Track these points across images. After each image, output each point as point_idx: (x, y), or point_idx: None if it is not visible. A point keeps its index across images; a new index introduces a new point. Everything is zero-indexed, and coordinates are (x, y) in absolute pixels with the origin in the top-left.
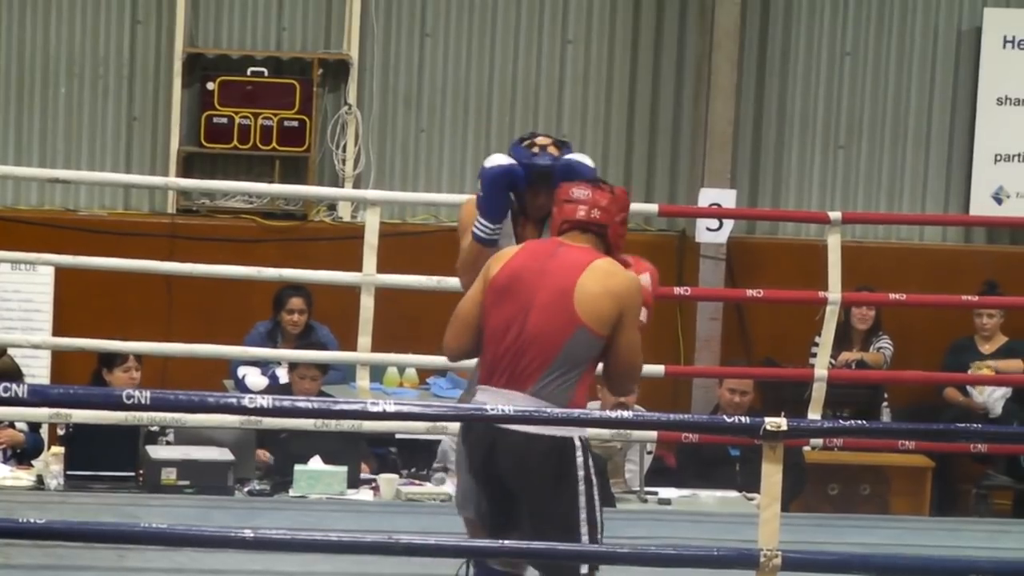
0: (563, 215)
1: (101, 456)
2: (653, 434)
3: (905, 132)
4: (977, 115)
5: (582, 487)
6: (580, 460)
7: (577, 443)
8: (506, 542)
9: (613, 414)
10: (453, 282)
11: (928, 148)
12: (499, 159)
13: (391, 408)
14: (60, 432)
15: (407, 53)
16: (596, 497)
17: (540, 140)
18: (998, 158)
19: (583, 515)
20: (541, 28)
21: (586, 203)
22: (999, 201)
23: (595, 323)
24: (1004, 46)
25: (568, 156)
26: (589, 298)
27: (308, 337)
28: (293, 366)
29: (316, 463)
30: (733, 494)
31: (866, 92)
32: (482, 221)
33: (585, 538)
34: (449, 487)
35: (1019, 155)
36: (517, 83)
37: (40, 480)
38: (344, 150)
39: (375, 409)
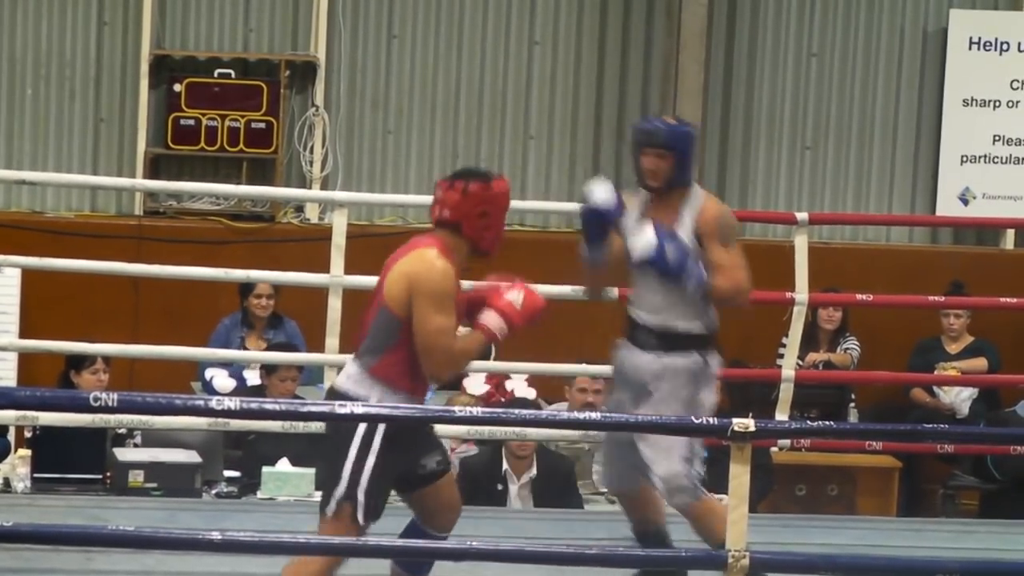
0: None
1: (68, 458)
2: None
3: (872, 133)
4: (943, 116)
5: (356, 442)
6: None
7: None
8: (473, 543)
9: (580, 416)
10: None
11: (895, 149)
12: (595, 193)
13: (359, 410)
14: (27, 434)
15: (374, 55)
16: (369, 462)
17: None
18: (964, 159)
19: (347, 468)
20: (508, 29)
21: (438, 202)
22: (965, 202)
23: (391, 302)
24: (970, 47)
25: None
26: (391, 279)
27: (276, 326)
28: (271, 369)
29: (284, 465)
30: None
31: (832, 93)
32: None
33: (343, 487)
34: None
35: (985, 156)
36: (484, 84)
37: (7, 483)
38: (311, 151)
39: (343, 411)
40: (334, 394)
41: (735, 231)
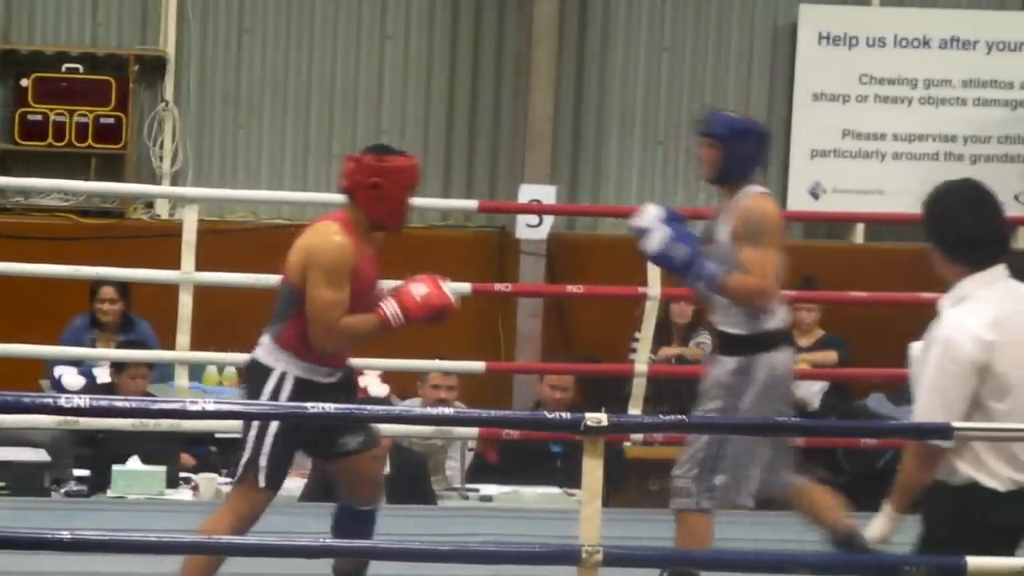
0: None
1: None
2: (474, 431)
3: None
4: (793, 111)
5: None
6: (269, 387)
7: (275, 372)
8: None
9: (434, 411)
10: (272, 279)
11: None
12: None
13: (211, 407)
14: None
15: (225, 49)
16: (271, 428)
17: None
18: (814, 153)
19: (252, 434)
20: (360, 24)
21: (339, 173)
22: (815, 196)
23: (290, 273)
24: (819, 42)
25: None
26: (291, 251)
27: (126, 329)
28: (121, 366)
29: (134, 463)
30: (555, 490)
31: (684, 87)
32: None
33: (247, 454)
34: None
35: (835, 151)
36: (336, 79)
37: None
38: (161, 147)
39: (194, 408)
40: (251, 364)
41: (765, 230)
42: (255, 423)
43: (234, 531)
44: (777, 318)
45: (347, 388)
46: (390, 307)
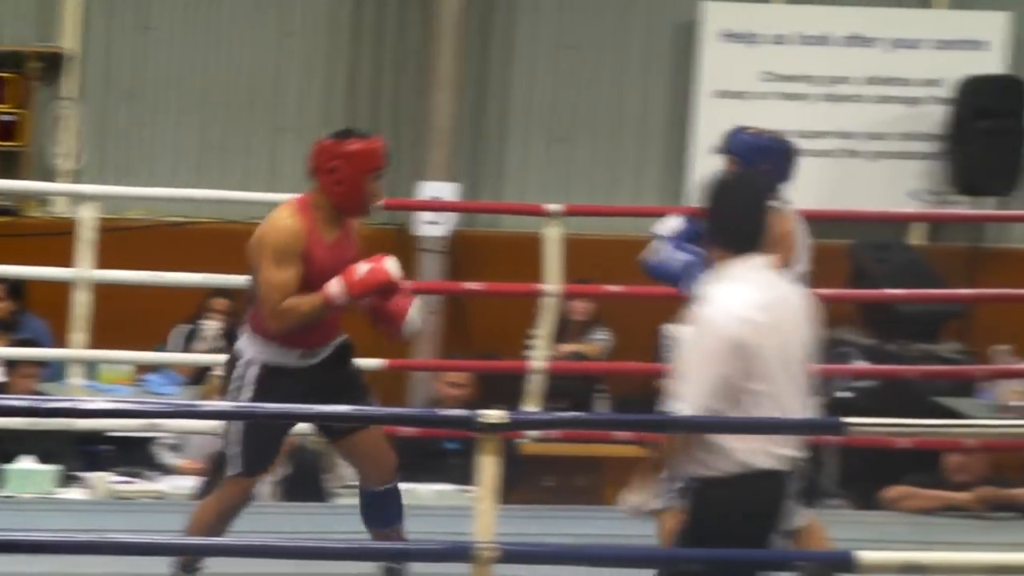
0: None
1: None
2: None
3: (624, 125)
4: (695, 108)
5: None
6: (237, 374)
7: (242, 359)
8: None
9: (330, 408)
10: (171, 277)
11: (647, 141)
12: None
13: (104, 405)
14: None
15: (128, 46)
16: (245, 403)
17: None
18: (715, 150)
19: (225, 425)
20: (262, 21)
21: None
22: None
23: (250, 257)
24: (721, 39)
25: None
26: (253, 235)
27: (17, 328)
28: (12, 364)
29: (27, 462)
30: (450, 487)
31: (586, 85)
32: None
33: (222, 444)
34: (162, 485)
35: None
36: (240, 76)
37: None
38: (63, 144)
39: (88, 406)
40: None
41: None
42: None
43: (216, 520)
44: None
45: (334, 366)
46: (334, 286)
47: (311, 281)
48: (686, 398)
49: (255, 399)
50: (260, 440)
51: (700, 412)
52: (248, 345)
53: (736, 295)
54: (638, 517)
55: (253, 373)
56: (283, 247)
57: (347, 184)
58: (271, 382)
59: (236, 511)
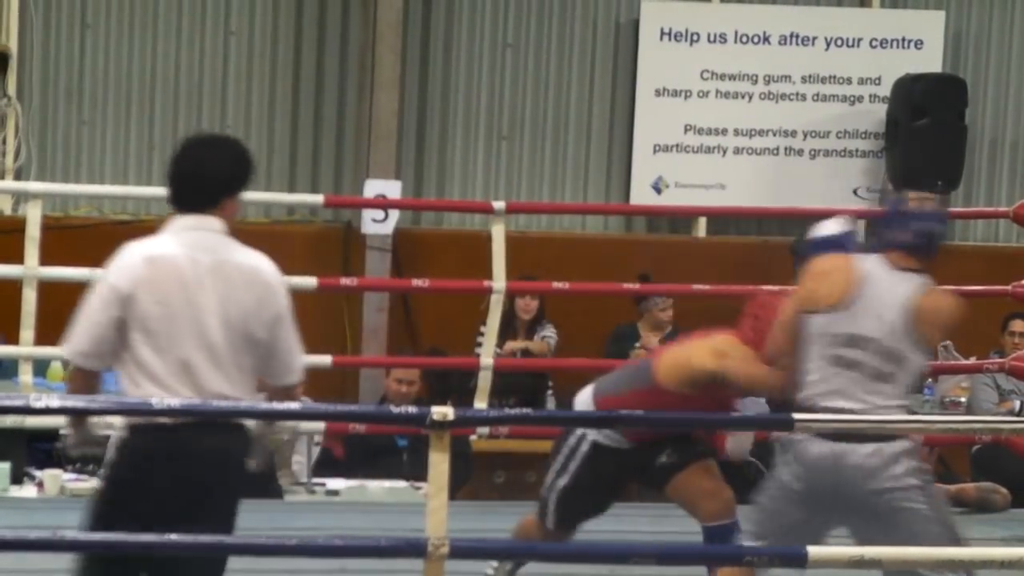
0: None
1: None
2: (320, 425)
3: (567, 123)
4: (636, 106)
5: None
6: (572, 443)
7: (579, 431)
8: (172, 536)
9: (280, 405)
10: None
11: (589, 139)
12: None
13: (55, 403)
14: None
15: (67, 44)
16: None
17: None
18: (657, 148)
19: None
20: (203, 20)
21: None
22: (658, 191)
23: None
24: (661, 38)
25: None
26: None
27: None
28: None
29: None
30: (401, 484)
31: (528, 83)
32: None
33: (543, 495)
34: None
35: (677, 145)
36: (180, 75)
37: None
38: (4, 143)
39: (38, 404)
40: None
41: None
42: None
43: None
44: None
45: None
46: None
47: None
48: (71, 340)
49: (580, 474)
50: (576, 504)
51: (80, 355)
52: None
53: (139, 247)
54: None
55: (584, 450)
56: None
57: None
58: (599, 460)
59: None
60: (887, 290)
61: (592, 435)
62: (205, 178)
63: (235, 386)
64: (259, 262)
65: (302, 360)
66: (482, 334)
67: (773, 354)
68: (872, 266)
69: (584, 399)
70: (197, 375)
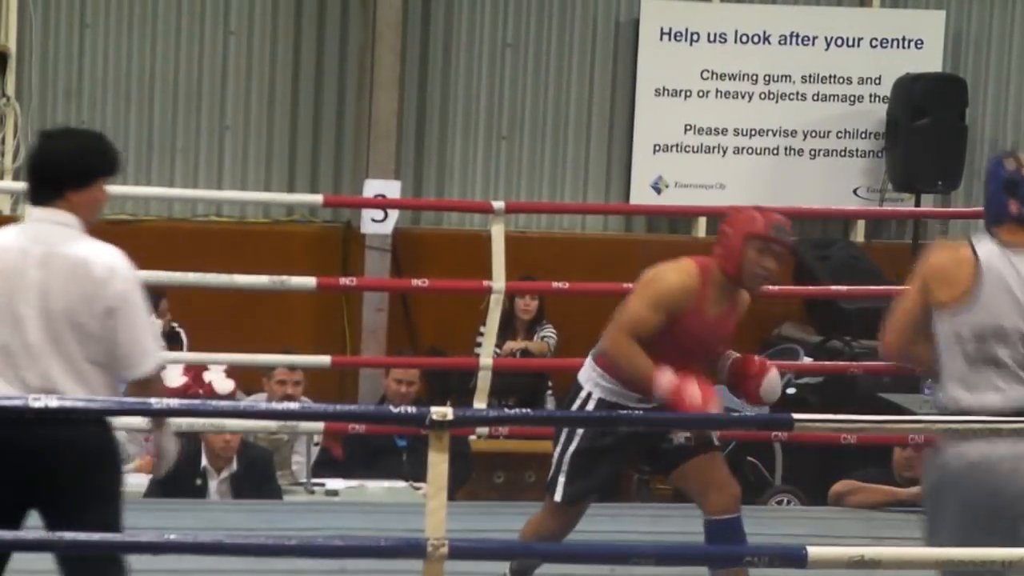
0: None
1: None
2: (320, 425)
3: (566, 123)
4: (636, 106)
5: None
6: (578, 406)
7: (585, 390)
8: (171, 536)
9: (280, 406)
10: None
11: (589, 139)
12: None
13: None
14: None
15: (66, 44)
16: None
17: None
18: (656, 148)
19: (557, 449)
20: (203, 19)
21: None
22: (658, 190)
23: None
24: (661, 38)
25: None
26: None
27: None
28: None
29: None
30: (400, 484)
31: (528, 83)
32: None
33: (551, 471)
34: None
35: (677, 145)
36: (179, 75)
37: None
38: (3, 143)
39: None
40: None
41: None
42: (562, 440)
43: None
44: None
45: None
46: (664, 379)
47: (675, 337)
48: None
49: (591, 434)
50: (587, 469)
51: None
52: (588, 379)
53: None
54: None
55: (590, 410)
56: (667, 298)
57: (727, 249)
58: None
59: (558, 537)
60: (1010, 274)
61: (597, 393)
62: (47, 171)
63: (69, 377)
64: (94, 255)
65: (153, 354)
66: (481, 334)
67: (890, 352)
68: (986, 251)
69: (587, 362)
70: (17, 362)
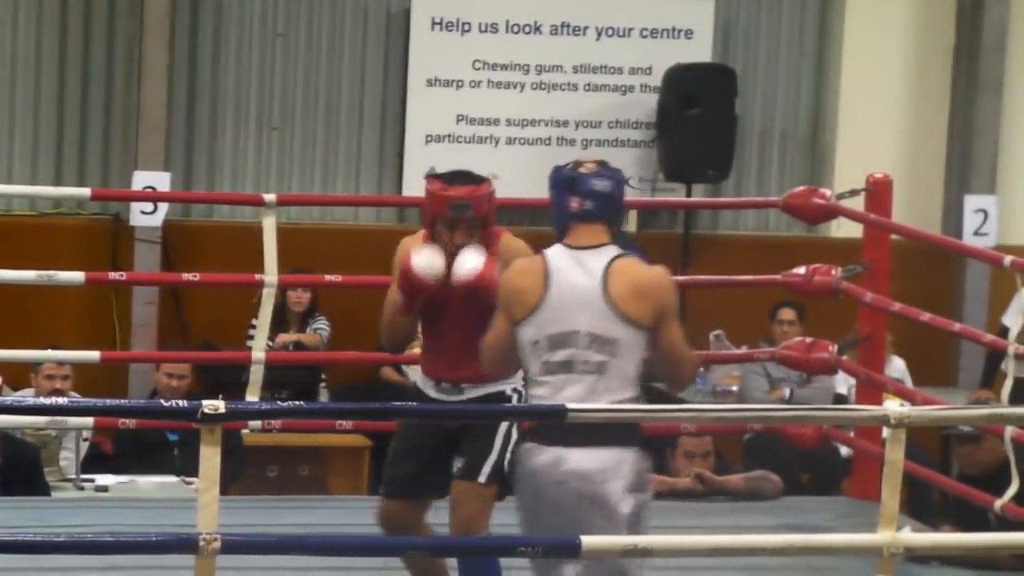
0: None
1: None
2: (89, 420)
3: (338, 113)
4: (408, 96)
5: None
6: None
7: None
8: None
9: (47, 401)
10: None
11: (361, 129)
12: None
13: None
14: None
15: None
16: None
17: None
18: (429, 139)
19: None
20: None
21: None
22: None
23: None
24: (432, 28)
25: None
26: None
27: None
28: None
29: None
30: (172, 479)
31: (299, 74)
32: None
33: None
34: None
35: (449, 136)
36: None
37: None
38: None
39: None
40: None
41: None
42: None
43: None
44: None
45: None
46: None
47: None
48: None
49: (399, 427)
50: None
51: None
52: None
53: None
54: None
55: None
56: (396, 262)
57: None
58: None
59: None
60: (577, 276)
61: (413, 379)
62: None
63: None
64: None
65: None
66: (254, 327)
67: (490, 370)
68: (556, 257)
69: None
70: None
